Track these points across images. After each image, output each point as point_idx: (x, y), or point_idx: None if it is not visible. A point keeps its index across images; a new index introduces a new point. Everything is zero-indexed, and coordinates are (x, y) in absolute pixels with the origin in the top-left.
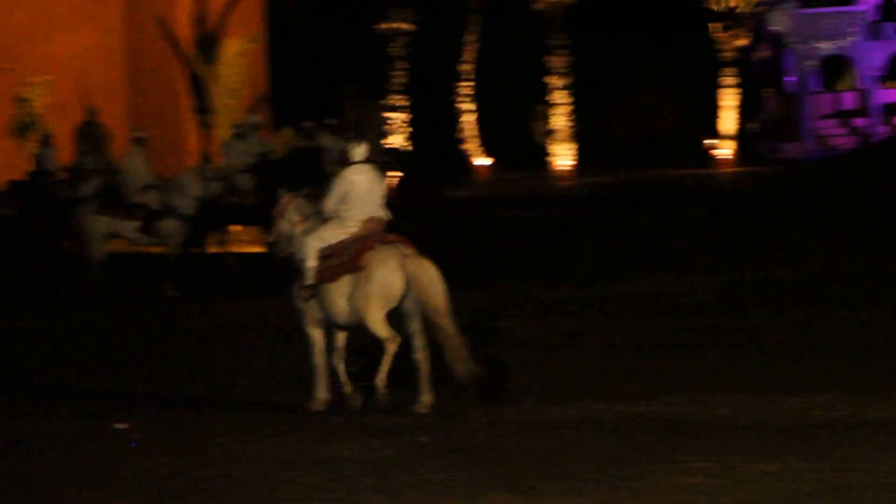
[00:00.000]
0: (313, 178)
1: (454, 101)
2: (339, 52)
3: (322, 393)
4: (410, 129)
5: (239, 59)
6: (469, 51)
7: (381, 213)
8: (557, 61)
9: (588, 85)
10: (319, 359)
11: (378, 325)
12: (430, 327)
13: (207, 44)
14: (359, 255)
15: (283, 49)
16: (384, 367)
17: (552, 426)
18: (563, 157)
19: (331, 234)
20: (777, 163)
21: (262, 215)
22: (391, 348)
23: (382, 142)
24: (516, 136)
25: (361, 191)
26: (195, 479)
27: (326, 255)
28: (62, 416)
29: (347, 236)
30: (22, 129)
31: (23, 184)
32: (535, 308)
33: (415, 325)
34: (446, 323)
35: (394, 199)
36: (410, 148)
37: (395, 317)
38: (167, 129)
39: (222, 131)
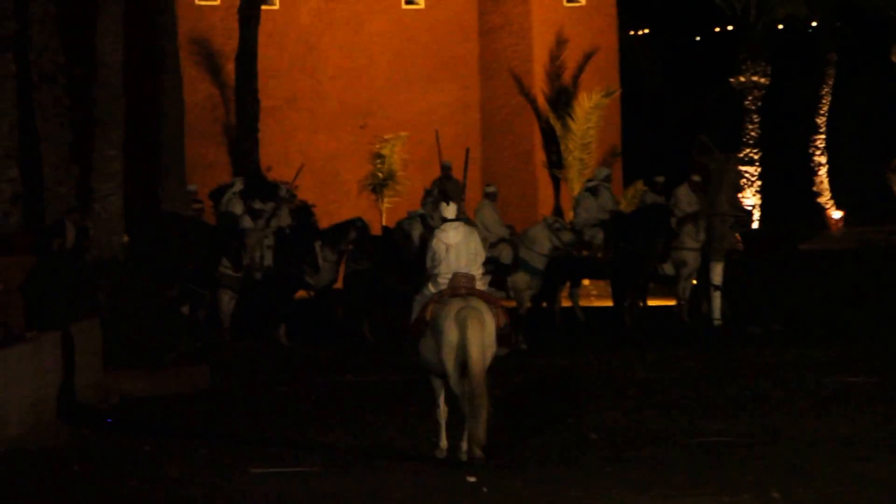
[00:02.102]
0: (663, 232)
1: (808, 154)
2: (693, 105)
3: (443, 441)
4: (760, 183)
5: (593, 113)
6: (823, 103)
7: (471, 270)
8: None
9: None
10: (438, 408)
11: (450, 376)
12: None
13: (562, 98)
14: (426, 308)
15: (635, 102)
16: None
17: None
18: None
19: (428, 291)
20: None
21: (611, 270)
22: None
23: (739, 196)
24: (870, 188)
25: (450, 248)
26: None
27: None
28: (415, 470)
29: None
30: (377, 185)
31: (376, 238)
32: (886, 362)
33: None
34: (475, 381)
35: (745, 254)
36: (760, 201)
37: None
38: (519, 184)
39: (574, 185)
